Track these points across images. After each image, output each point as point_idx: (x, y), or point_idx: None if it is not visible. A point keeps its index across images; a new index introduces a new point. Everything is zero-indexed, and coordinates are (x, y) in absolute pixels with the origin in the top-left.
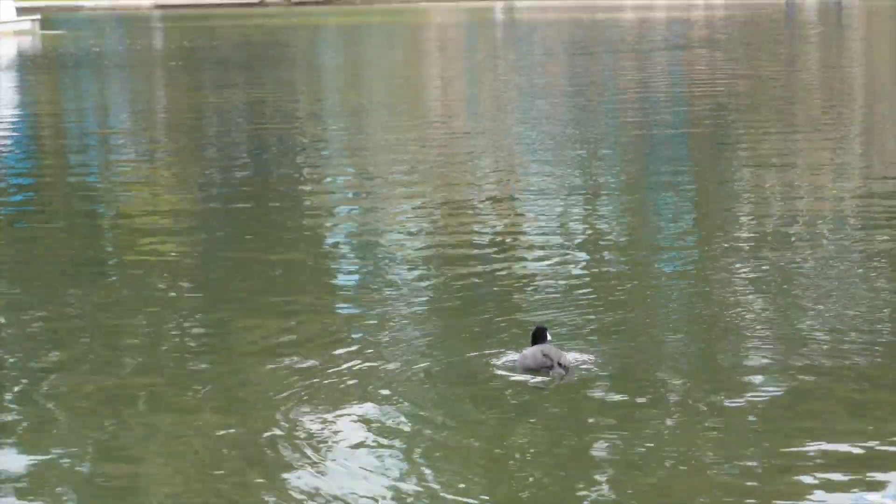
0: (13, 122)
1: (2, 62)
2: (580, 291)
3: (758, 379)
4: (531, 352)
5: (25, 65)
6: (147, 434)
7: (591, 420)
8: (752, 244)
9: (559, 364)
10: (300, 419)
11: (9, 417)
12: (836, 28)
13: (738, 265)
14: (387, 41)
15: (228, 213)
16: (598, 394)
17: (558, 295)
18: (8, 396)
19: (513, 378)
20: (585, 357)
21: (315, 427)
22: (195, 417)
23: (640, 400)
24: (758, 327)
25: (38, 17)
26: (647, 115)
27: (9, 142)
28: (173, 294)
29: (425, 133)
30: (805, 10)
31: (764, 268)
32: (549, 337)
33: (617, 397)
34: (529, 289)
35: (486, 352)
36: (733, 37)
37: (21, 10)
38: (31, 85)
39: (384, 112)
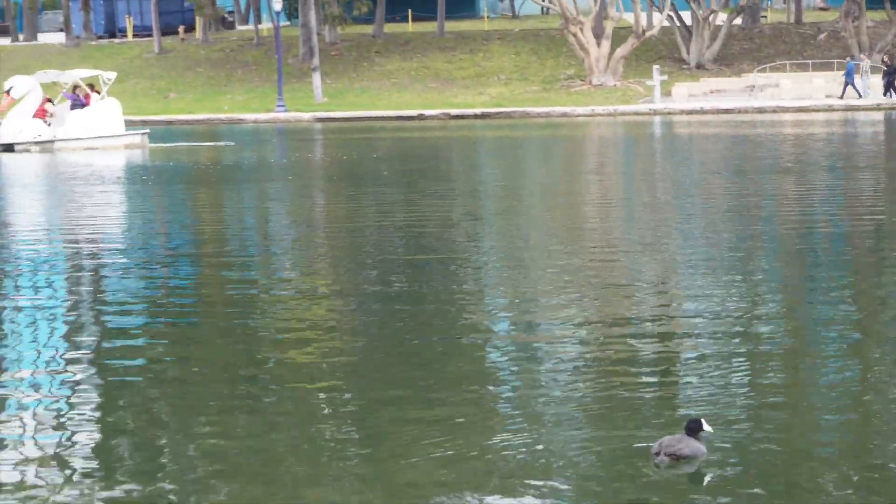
0: (175, 233)
1: (126, 174)
2: (741, 397)
3: None
4: (659, 441)
5: (140, 176)
6: None
7: None
8: None
9: (666, 454)
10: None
11: None
12: None
13: None
14: (545, 156)
15: (384, 325)
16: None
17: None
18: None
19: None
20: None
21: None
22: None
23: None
24: None
25: (148, 130)
26: (803, 238)
27: (170, 253)
28: (329, 409)
29: (583, 249)
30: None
31: None
32: (705, 428)
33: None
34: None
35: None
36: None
37: (129, 124)
38: (152, 195)
39: (542, 228)
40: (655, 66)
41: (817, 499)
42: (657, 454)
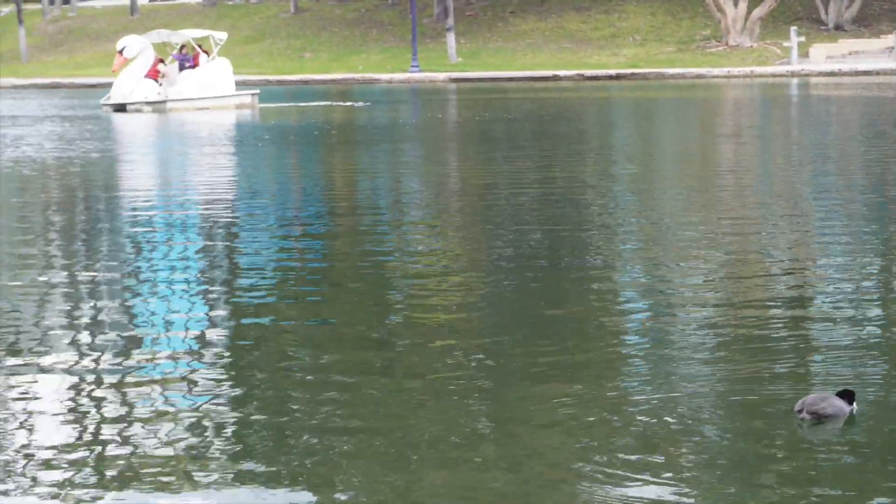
0: (315, 189)
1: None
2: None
3: None
4: (802, 399)
5: (259, 137)
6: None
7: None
8: None
9: (808, 412)
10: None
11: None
12: None
13: None
14: (679, 118)
15: (516, 293)
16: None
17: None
18: (289, 464)
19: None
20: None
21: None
22: (480, 478)
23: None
24: None
25: (257, 91)
26: None
27: (307, 207)
28: (453, 360)
29: (715, 213)
30: None
31: None
32: (854, 405)
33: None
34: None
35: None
36: None
37: (240, 84)
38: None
39: (676, 194)
40: (793, 28)
41: None
42: (799, 412)
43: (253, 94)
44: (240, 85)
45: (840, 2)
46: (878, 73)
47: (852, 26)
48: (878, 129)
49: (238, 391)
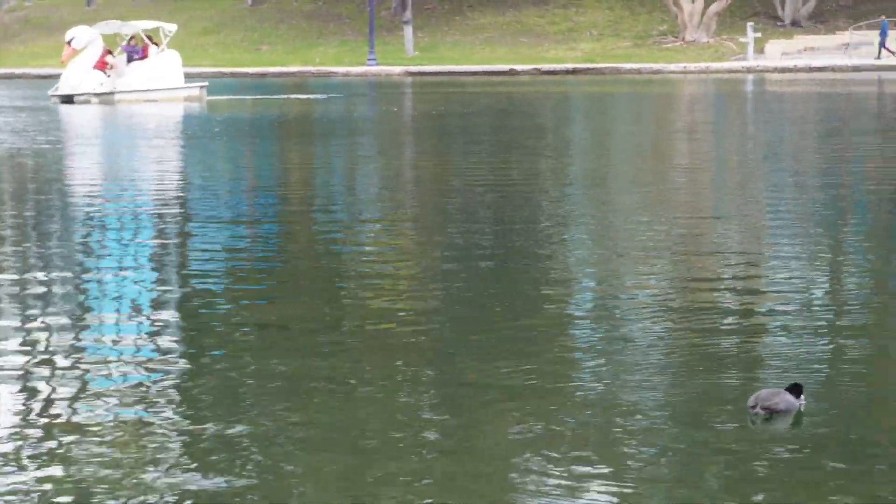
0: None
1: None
2: (822, 354)
3: None
4: (755, 394)
5: (207, 130)
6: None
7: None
8: None
9: (762, 407)
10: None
11: (245, 475)
12: None
13: None
14: (635, 113)
15: (469, 274)
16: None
17: (797, 354)
18: (246, 465)
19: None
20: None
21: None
22: (436, 476)
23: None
24: None
25: (206, 83)
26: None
27: (261, 200)
28: (407, 357)
29: (668, 208)
30: None
31: None
32: (802, 398)
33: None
34: (768, 348)
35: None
36: None
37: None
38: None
39: (626, 186)
40: (749, 23)
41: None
42: (753, 407)
43: (201, 87)
44: (191, 77)
45: None
46: (833, 69)
47: (808, 23)
48: (832, 125)
49: (186, 393)
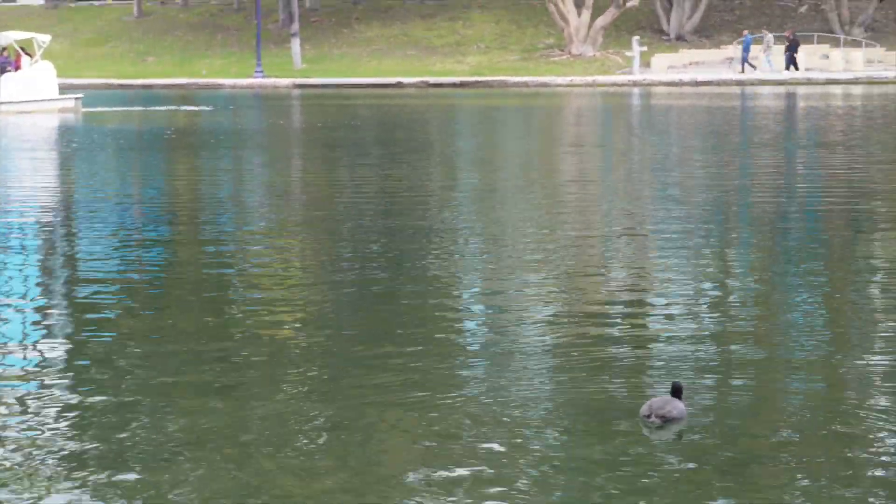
0: (153, 195)
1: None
2: (706, 356)
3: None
4: (647, 403)
5: (83, 141)
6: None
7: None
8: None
9: (657, 415)
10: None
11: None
12: None
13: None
14: (521, 126)
15: (355, 286)
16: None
17: (685, 357)
18: (131, 477)
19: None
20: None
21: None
22: (321, 484)
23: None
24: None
25: (81, 95)
26: (779, 204)
27: (146, 210)
28: (298, 370)
29: (555, 222)
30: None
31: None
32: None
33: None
34: (655, 351)
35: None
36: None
37: (63, 88)
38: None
39: (513, 199)
40: (635, 37)
41: (783, 463)
42: (648, 416)
43: (77, 99)
44: (76, 89)
45: (681, 12)
46: (718, 83)
47: (693, 37)
48: (716, 139)
49: (74, 411)
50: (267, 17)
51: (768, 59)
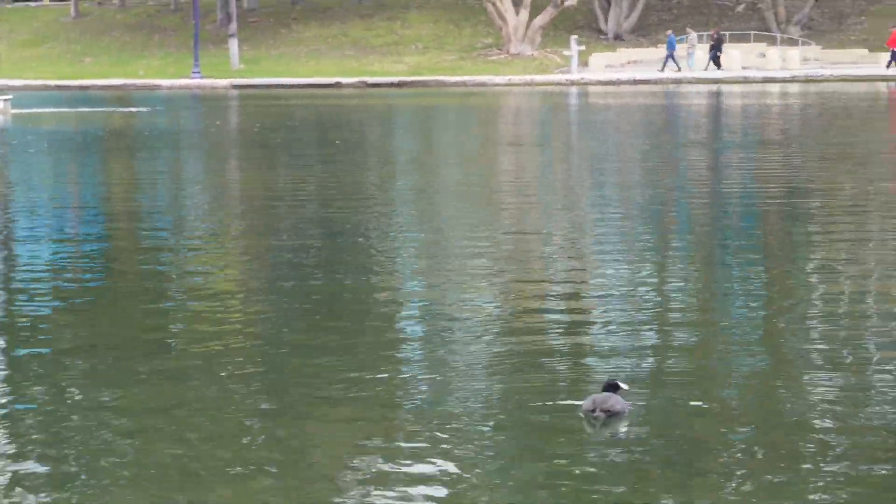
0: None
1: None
2: (649, 359)
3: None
4: (590, 398)
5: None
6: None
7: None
8: (824, 306)
9: (601, 410)
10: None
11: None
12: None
13: (812, 319)
14: (459, 126)
15: (294, 289)
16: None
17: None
18: (72, 468)
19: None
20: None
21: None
22: (257, 483)
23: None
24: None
25: (10, 96)
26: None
27: (84, 213)
28: (237, 373)
29: (492, 219)
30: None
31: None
32: (622, 386)
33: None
34: (596, 350)
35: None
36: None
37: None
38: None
39: (453, 196)
40: (573, 37)
41: (721, 453)
42: (592, 411)
43: (6, 100)
44: (11, 89)
45: (619, 11)
46: (655, 82)
47: (631, 36)
48: (653, 138)
49: (4, 417)
50: (205, 17)
51: (692, 57)
